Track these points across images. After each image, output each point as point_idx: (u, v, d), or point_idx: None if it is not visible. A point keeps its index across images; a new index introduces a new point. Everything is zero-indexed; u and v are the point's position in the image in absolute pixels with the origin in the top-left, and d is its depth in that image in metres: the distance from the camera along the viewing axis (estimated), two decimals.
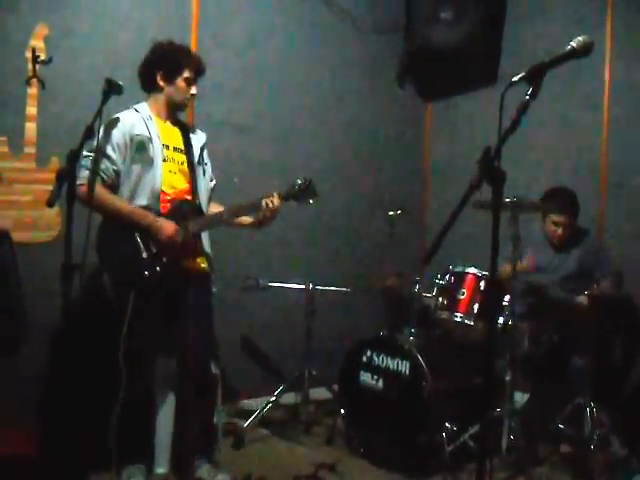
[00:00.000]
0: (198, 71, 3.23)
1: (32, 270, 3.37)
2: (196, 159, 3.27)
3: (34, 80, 3.45)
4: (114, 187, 3.09)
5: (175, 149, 3.21)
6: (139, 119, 3.13)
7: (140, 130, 3.11)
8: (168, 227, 3.05)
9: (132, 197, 3.08)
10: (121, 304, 3.02)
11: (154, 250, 3.05)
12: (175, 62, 3.16)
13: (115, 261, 3.07)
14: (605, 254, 4.06)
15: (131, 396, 3.03)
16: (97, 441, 3.05)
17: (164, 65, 3.16)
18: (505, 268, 3.72)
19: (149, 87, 3.21)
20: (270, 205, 3.17)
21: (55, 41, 3.54)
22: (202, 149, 3.33)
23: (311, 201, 3.24)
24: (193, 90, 3.22)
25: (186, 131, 3.31)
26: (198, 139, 3.34)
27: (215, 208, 3.33)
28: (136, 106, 3.18)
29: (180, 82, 3.17)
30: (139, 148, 3.09)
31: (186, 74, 3.16)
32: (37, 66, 3.44)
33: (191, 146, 3.28)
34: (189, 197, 3.21)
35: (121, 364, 2.99)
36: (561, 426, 3.64)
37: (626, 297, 3.99)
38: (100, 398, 3.16)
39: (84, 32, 3.70)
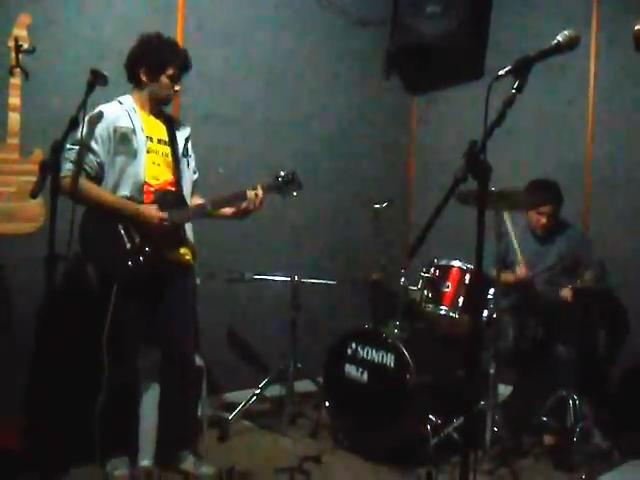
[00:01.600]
0: (183, 68, 3.19)
1: (15, 262, 3.35)
2: (180, 151, 3.26)
3: (17, 70, 3.41)
4: (98, 179, 3.08)
5: (159, 141, 3.20)
6: (123, 111, 3.12)
7: (123, 122, 3.10)
8: (154, 213, 3.04)
9: (116, 188, 3.07)
10: (104, 295, 3.01)
11: (137, 241, 3.04)
12: (159, 59, 3.12)
13: (98, 252, 3.07)
14: (588, 245, 4.08)
15: (114, 387, 3.03)
16: (81, 433, 3.04)
17: (148, 61, 3.12)
18: (506, 276, 3.84)
19: (133, 81, 3.19)
20: (253, 197, 3.17)
21: (39, 30, 3.49)
22: (186, 141, 3.33)
23: (295, 193, 3.23)
24: (177, 87, 3.20)
25: (171, 123, 3.30)
26: (182, 131, 3.33)
27: (197, 200, 3.33)
28: (120, 98, 3.17)
29: (163, 79, 3.13)
30: (122, 140, 3.08)
31: (170, 71, 3.13)
32: (20, 55, 3.39)
33: (175, 138, 3.27)
34: (173, 188, 3.20)
35: (104, 355, 2.98)
36: (544, 418, 3.66)
37: (608, 290, 4.02)
38: (84, 390, 3.14)
39: (68, 21, 3.66)
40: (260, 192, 3.18)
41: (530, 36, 4.59)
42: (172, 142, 3.24)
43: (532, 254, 4.05)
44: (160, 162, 3.18)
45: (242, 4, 4.43)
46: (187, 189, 3.28)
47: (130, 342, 3.15)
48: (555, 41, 1.98)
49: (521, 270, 3.91)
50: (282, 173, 3.21)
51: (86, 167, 3.03)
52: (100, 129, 3.04)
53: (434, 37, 4.74)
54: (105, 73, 2.69)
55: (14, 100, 3.44)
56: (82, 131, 2.74)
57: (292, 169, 3.24)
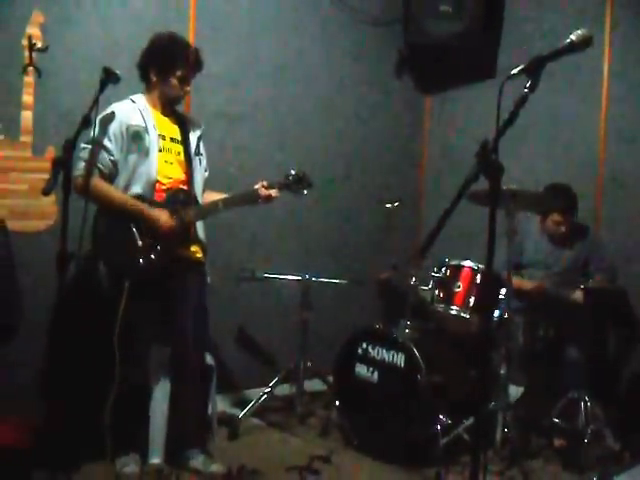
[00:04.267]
0: (193, 69, 3.20)
1: (28, 259, 3.36)
2: (193, 150, 3.27)
3: (30, 68, 3.43)
4: (112, 177, 3.10)
5: (172, 140, 3.22)
6: (135, 109, 3.14)
7: (136, 120, 3.11)
8: (163, 217, 3.05)
9: (128, 186, 3.09)
10: (116, 292, 3.02)
11: (149, 238, 3.05)
12: (169, 60, 3.12)
13: (110, 249, 3.09)
14: (602, 249, 4.06)
15: (125, 384, 3.04)
16: (91, 430, 3.05)
17: (158, 62, 3.14)
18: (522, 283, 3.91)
19: (145, 80, 3.20)
20: (265, 195, 3.18)
21: (52, 29, 3.51)
22: (199, 140, 3.34)
23: (305, 192, 3.24)
24: (187, 88, 3.21)
25: (183, 122, 3.31)
26: (195, 130, 3.34)
27: (210, 197, 3.33)
28: (132, 97, 3.18)
29: (172, 80, 3.14)
30: (135, 138, 3.09)
31: (179, 73, 3.13)
32: (33, 54, 3.42)
33: (188, 137, 3.28)
34: (185, 187, 3.21)
35: (116, 353, 2.99)
36: (555, 420, 3.64)
37: (620, 291, 3.99)
38: (95, 387, 3.15)
39: (81, 20, 3.67)
40: (273, 193, 3.19)
41: (543, 35, 4.57)
42: (184, 141, 3.26)
43: (547, 255, 4.04)
44: (172, 160, 3.20)
45: (254, 3, 4.43)
46: (199, 188, 3.29)
47: (141, 340, 3.16)
48: (568, 40, 1.96)
49: (535, 283, 3.93)
50: (292, 172, 3.21)
51: (100, 166, 3.05)
52: (113, 127, 3.06)
53: (446, 36, 4.73)
54: (117, 71, 2.69)
55: (27, 98, 3.47)
56: (94, 129, 2.75)
57: (302, 169, 3.24)
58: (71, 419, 3.05)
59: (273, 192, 3.19)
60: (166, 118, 3.24)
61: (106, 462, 3.10)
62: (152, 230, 3.06)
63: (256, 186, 3.20)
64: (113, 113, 3.06)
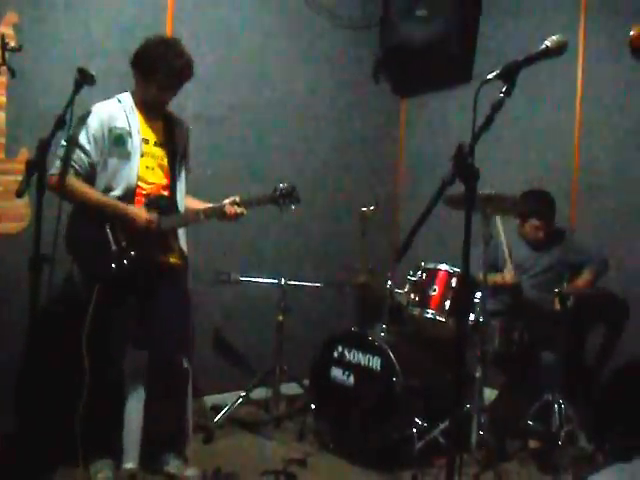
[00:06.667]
0: (177, 79, 3.11)
1: (0, 261, 3.32)
2: (179, 153, 3.23)
3: (3, 68, 3.37)
4: (88, 178, 3.05)
5: (155, 144, 3.16)
6: (120, 111, 3.08)
7: (120, 123, 3.06)
8: (142, 214, 3.02)
9: (108, 190, 3.04)
10: (88, 296, 2.98)
11: (123, 244, 3.02)
12: (152, 65, 3.03)
13: (83, 253, 3.04)
14: (582, 247, 4.08)
15: (97, 389, 3.00)
16: (65, 435, 3.02)
17: (141, 65, 3.06)
18: (493, 278, 3.89)
19: (134, 79, 3.13)
20: (232, 214, 3.15)
21: (26, 29, 3.47)
22: (186, 142, 3.31)
23: (293, 207, 3.20)
24: (167, 96, 3.14)
25: (171, 124, 3.26)
26: (182, 131, 3.30)
27: (190, 202, 3.30)
28: (119, 96, 3.13)
29: (150, 86, 3.07)
30: (117, 141, 3.04)
31: (159, 80, 3.05)
32: (6, 54, 3.37)
33: (174, 140, 3.22)
34: (166, 193, 3.18)
35: (84, 356, 2.96)
36: (530, 422, 3.67)
37: (602, 294, 4.04)
38: (69, 391, 3.11)
39: (56, 20, 3.63)
40: (240, 210, 3.15)
41: (519, 41, 4.60)
42: (170, 144, 3.21)
43: (524, 259, 4.06)
44: (154, 166, 3.15)
45: (231, 5, 4.41)
46: (182, 193, 3.25)
47: (113, 343, 3.12)
48: (543, 46, 1.99)
49: (509, 274, 3.91)
50: (281, 186, 3.16)
51: (75, 165, 3.00)
52: (94, 129, 3.01)
53: (423, 40, 4.75)
54: (93, 72, 2.66)
55: (0, 99, 3.42)
56: (69, 130, 2.72)
57: (292, 183, 3.19)
58: (44, 423, 3.02)
59: (239, 210, 3.16)
60: (152, 120, 3.17)
61: (80, 467, 3.07)
62: (130, 232, 3.02)
63: (226, 201, 3.16)
64: (96, 111, 3.02)
